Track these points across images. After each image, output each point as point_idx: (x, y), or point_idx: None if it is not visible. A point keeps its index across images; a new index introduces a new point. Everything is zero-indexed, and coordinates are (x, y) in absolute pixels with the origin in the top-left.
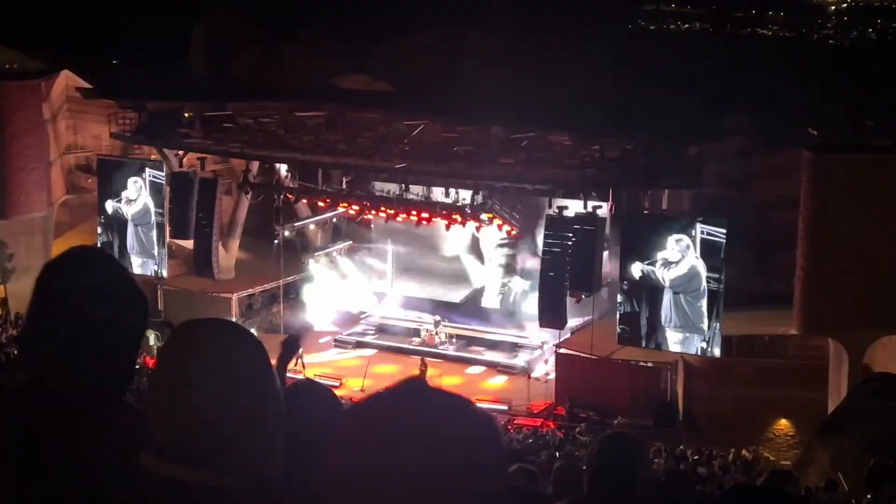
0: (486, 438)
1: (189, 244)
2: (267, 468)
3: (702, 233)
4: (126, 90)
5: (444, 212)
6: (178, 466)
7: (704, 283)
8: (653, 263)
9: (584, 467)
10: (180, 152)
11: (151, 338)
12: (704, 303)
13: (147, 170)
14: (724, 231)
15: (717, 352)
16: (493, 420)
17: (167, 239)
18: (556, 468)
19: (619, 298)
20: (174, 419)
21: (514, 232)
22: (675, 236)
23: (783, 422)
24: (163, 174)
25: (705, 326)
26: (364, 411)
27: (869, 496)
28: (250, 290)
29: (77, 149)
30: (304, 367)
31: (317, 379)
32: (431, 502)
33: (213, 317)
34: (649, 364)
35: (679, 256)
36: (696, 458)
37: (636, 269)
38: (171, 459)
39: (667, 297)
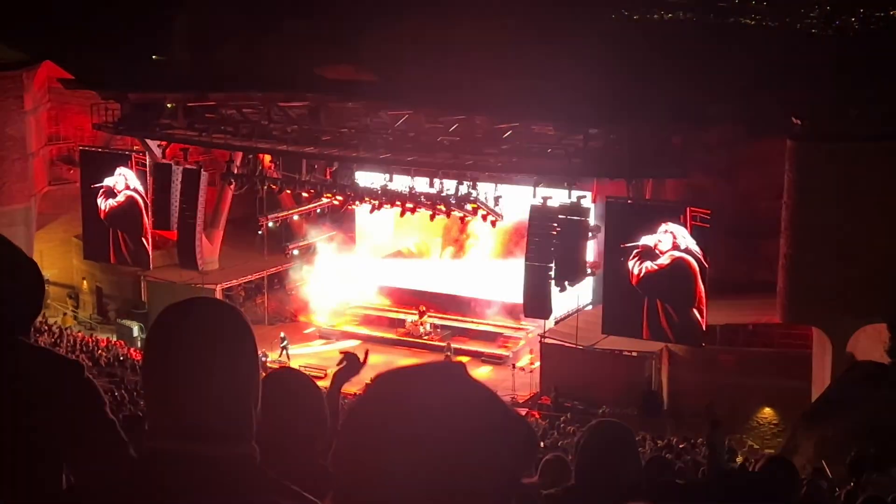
0: (514, 426)
1: (172, 235)
2: (252, 436)
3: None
4: (108, 81)
5: (428, 202)
6: (196, 444)
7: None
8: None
9: (571, 457)
10: (163, 143)
11: (135, 329)
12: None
13: (131, 160)
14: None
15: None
16: (526, 424)
17: (150, 230)
18: (544, 462)
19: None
20: (184, 400)
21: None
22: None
23: (767, 410)
24: (146, 165)
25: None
26: (398, 379)
27: (852, 484)
28: (234, 281)
29: (59, 140)
30: (288, 358)
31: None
32: (446, 483)
33: (194, 297)
34: (634, 353)
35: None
36: (680, 447)
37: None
38: (186, 438)
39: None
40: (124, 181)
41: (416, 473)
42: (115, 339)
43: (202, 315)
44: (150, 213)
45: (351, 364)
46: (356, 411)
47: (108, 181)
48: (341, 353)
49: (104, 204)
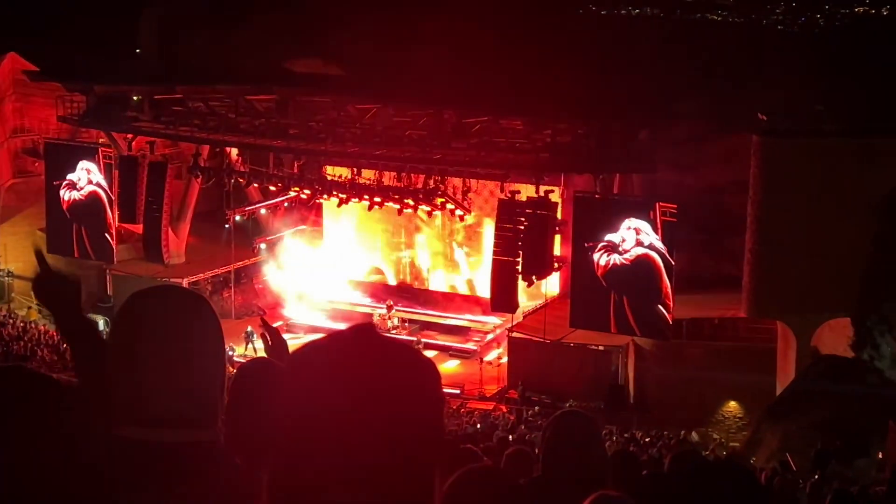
0: (431, 384)
1: (138, 229)
2: (217, 422)
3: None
4: (74, 73)
5: (396, 196)
6: (161, 430)
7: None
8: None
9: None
10: (129, 136)
11: (101, 323)
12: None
13: (97, 153)
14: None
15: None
16: (435, 367)
17: (116, 223)
18: (506, 455)
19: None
20: (148, 387)
21: (465, 216)
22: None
23: (732, 404)
24: (112, 158)
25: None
26: (314, 350)
27: (816, 476)
28: (201, 274)
29: (24, 132)
30: (255, 352)
31: None
32: (375, 441)
33: (159, 284)
34: (600, 347)
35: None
36: (646, 440)
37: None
38: (151, 425)
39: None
40: (87, 175)
41: (346, 440)
42: None
43: (167, 302)
44: (115, 207)
45: (276, 341)
46: (280, 389)
47: (70, 175)
48: (261, 327)
49: (67, 197)
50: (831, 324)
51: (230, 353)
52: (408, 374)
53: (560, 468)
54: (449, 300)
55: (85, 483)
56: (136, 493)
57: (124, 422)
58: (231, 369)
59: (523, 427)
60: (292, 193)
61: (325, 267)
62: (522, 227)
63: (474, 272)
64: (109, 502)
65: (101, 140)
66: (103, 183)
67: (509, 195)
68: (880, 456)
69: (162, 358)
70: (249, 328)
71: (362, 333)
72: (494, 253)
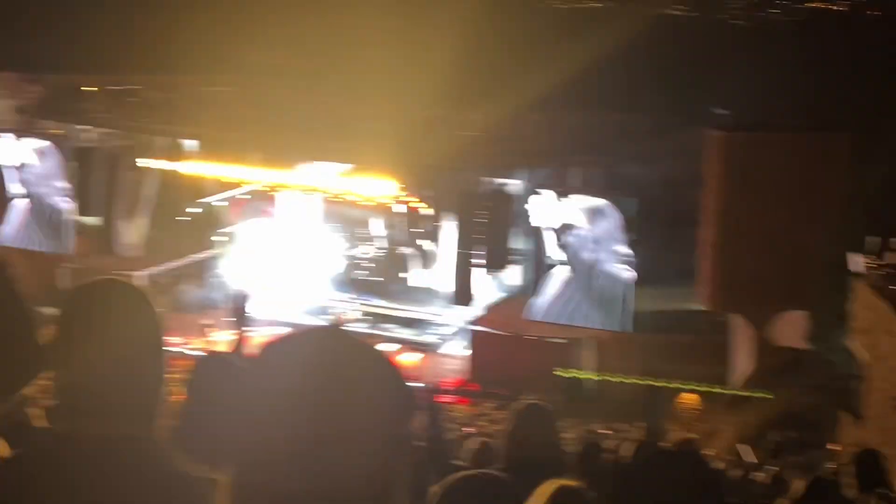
0: (396, 381)
1: (94, 221)
2: (157, 416)
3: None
4: (27, 62)
5: (355, 188)
6: (93, 423)
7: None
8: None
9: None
10: (84, 127)
11: None
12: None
13: (49, 144)
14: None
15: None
16: (398, 366)
17: (71, 216)
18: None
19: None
20: (86, 381)
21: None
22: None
23: (689, 396)
24: (66, 149)
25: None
26: (280, 347)
27: (772, 467)
28: (157, 267)
29: None
30: (213, 345)
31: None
32: (340, 438)
33: (99, 277)
34: (559, 340)
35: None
36: (605, 431)
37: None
38: (82, 416)
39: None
40: (41, 166)
41: (307, 434)
42: None
43: (109, 294)
44: (70, 199)
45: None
46: (245, 381)
47: (25, 166)
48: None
49: (21, 189)
50: (787, 317)
51: (186, 345)
52: (373, 373)
53: (521, 460)
54: (408, 293)
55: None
56: (72, 487)
57: (62, 417)
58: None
59: (481, 420)
60: (250, 186)
61: (283, 260)
62: (482, 221)
63: (434, 265)
64: (39, 498)
65: (55, 131)
66: (58, 174)
67: (469, 188)
68: (833, 446)
69: (100, 349)
70: (206, 321)
71: (329, 332)
72: (454, 246)
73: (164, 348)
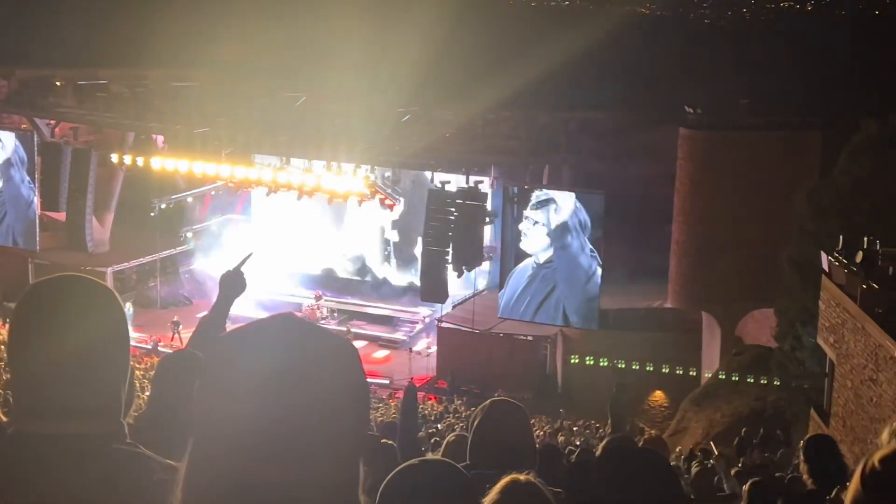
0: (353, 371)
1: (61, 216)
2: (124, 413)
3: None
4: None
5: (325, 186)
6: (53, 423)
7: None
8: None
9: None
10: (52, 122)
11: None
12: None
13: (14, 139)
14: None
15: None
16: (357, 354)
17: (38, 211)
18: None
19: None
20: (48, 379)
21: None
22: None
23: (658, 393)
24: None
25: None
26: (234, 338)
27: (740, 464)
28: (126, 263)
29: None
30: (182, 342)
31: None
32: (296, 428)
33: (61, 273)
34: (529, 337)
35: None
36: (574, 428)
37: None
38: (49, 417)
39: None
40: (10, 161)
41: (266, 428)
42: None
43: (69, 291)
44: (37, 194)
45: (236, 281)
46: (205, 373)
47: None
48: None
49: None
50: (755, 314)
51: (156, 344)
52: (329, 360)
53: (487, 455)
54: (378, 289)
55: None
56: (33, 488)
57: (24, 416)
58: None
59: (451, 417)
60: (219, 182)
61: (252, 256)
62: (452, 218)
63: (404, 262)
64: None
65: (23, 126)
66: (26, 169)
67: (439, 185)
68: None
69: (61, 348)
70: (176, 318)
71: (283, 321)
72: (424, 243)
73: (127, 345)
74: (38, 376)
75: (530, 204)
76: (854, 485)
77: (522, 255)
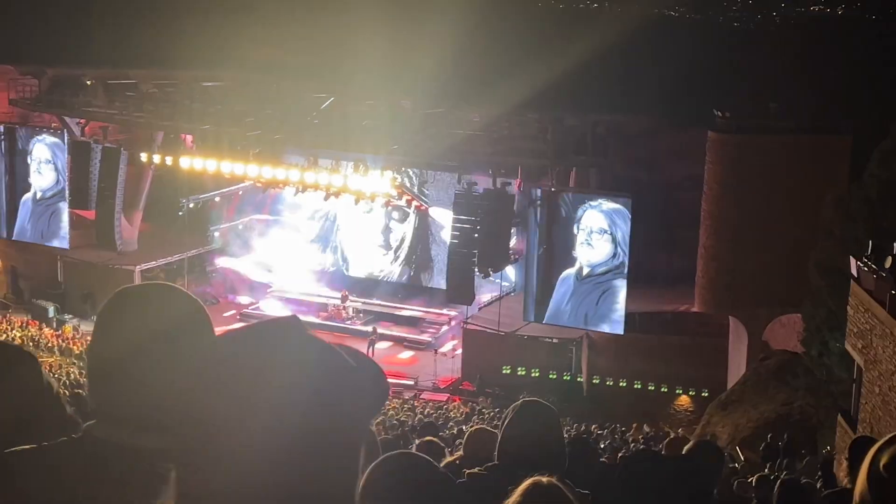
0: (353, 382)
1: (90, 214)
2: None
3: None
4: (26, 55)
5: (352, 187)
6: (136, 435)
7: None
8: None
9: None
10: (82, 121)
11: (51, 310)
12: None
13: (47, 138)
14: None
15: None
16: (363, 371)
17: (68, 209)
18: (468, 435)
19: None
20: (127, 388)
21: (423, 207)
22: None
23: (683, 397)
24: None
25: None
26: (236, 336)
27: (766, 469)
28: (153, 262)
29: None
30: None
31: None
32: (289, 435)
33: (152, 281)
34: (554, 340)
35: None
36: (599, 432)
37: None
38: (127, 428)
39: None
40: (41, 159)
41: (266, 430)
42: (29, 318)
43: (159, 301)
44: (68, 193)
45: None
46: (200, 376)
47: (29, 159)
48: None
49: (26, 180)
50: (782, 319)
51: None
52: (324, 368)
53: (516, 455)
54: (404, 291)
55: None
56: (106, 496)
57: (99, 420)
58: None
59: (476, 419)
60: (247, 182)
61: (280, 256)
62: (479, 220)
63: (431, 263)
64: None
65: (53, 125)
66: (58, 167)
67: (466, 187)
68: (828, 450)
69: (145, 359)
70: None
71: (283, 324)
72: (451, 245)
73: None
74: (115, 384)
75: (594, 208)
76: (861, 480)
77: (556, 260)
